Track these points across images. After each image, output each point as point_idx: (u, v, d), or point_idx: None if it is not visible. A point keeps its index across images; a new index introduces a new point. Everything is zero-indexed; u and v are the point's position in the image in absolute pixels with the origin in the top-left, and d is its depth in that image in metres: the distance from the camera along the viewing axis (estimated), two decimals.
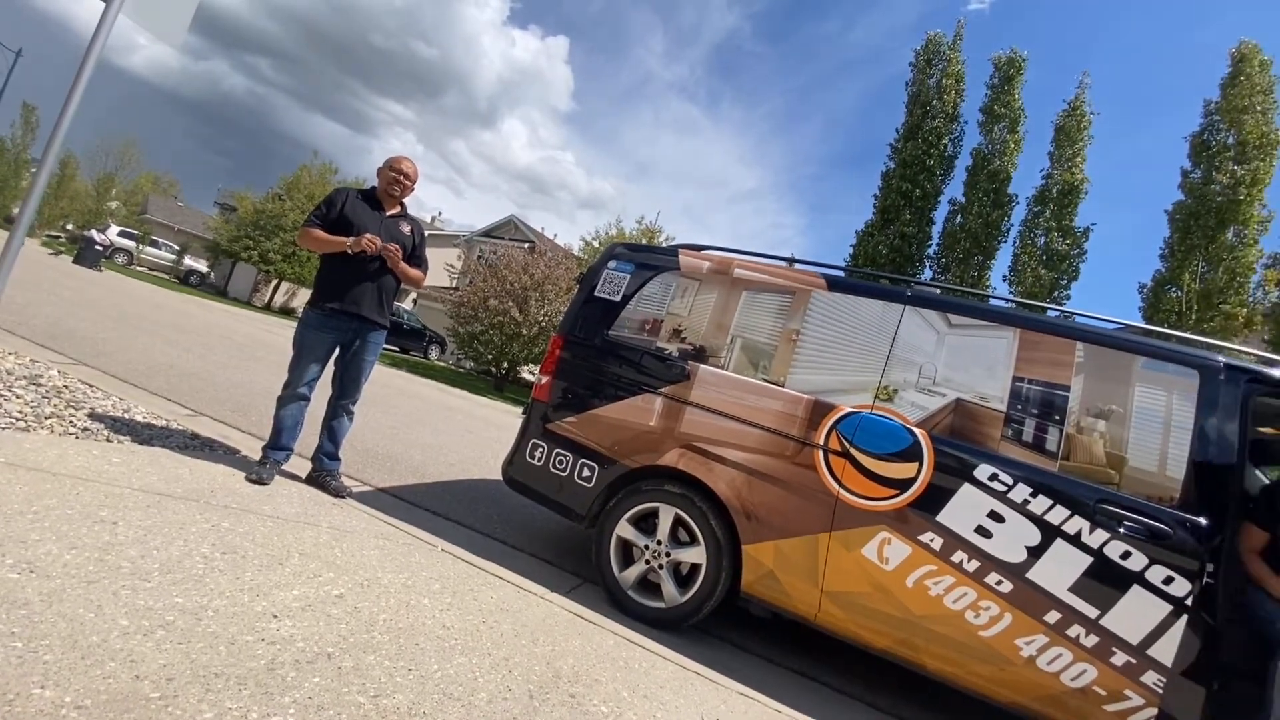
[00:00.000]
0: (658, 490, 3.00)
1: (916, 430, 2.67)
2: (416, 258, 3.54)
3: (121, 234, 29.26)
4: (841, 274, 3.20)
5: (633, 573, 2.99)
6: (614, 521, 3.04)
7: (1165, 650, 2.21)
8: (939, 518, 2.53)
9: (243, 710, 1.38)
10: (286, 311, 24.94)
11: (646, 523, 3.03)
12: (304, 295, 26.44)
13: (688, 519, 2.91)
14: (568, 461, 3.21)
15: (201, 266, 28.71)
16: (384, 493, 3.79)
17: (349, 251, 3.21)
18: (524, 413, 3.49)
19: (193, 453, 3.27)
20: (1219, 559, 2.22)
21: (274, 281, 24.93)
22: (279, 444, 3.27)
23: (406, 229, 3.49)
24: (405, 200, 3.58)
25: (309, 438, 3.48)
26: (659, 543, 2.96)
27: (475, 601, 2.44)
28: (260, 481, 3.07)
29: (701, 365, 3.10)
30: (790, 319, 3.05)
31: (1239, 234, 12.95)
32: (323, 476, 3.36)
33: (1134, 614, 2.25)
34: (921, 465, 2.61)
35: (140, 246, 30.16)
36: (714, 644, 2.95)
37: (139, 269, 28.06)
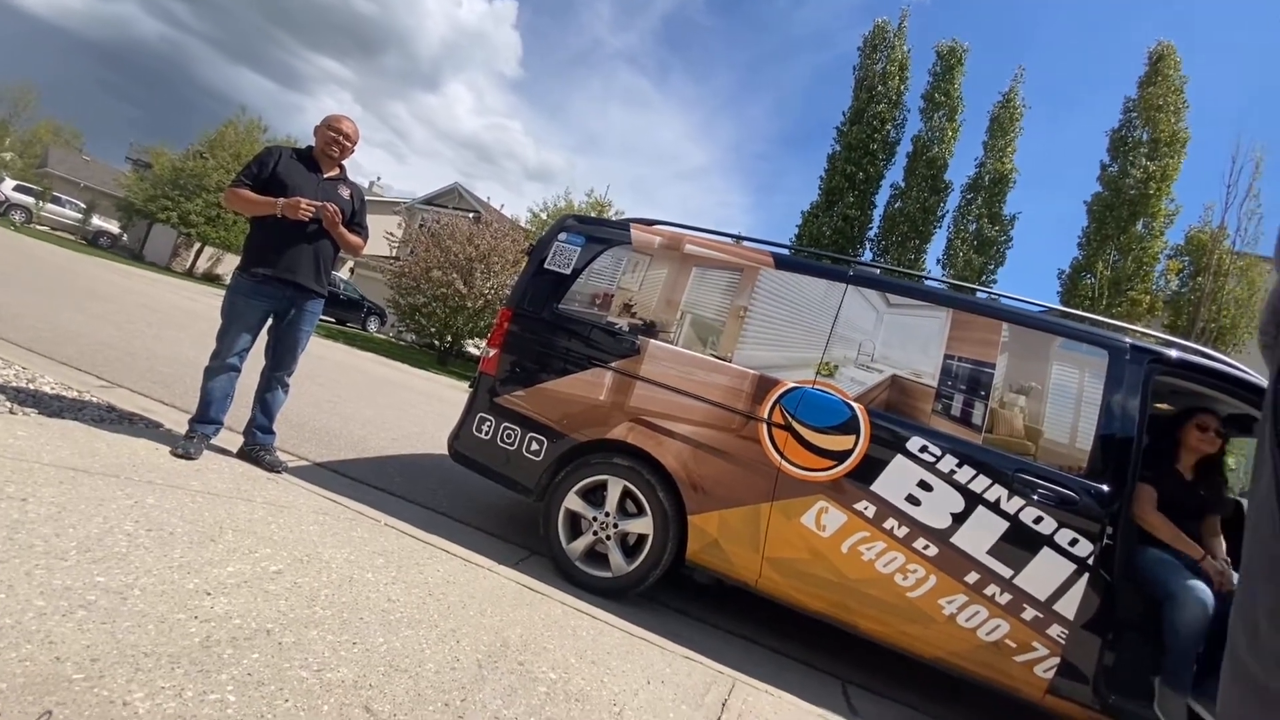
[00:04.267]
0: (606, 463, 3.03)
1: (855, 405, 2.79)
2: (357, 224, 3.40)
3: (18, 189, 26.56)
4: (788, 253, 3.28)
5: (580, 544, 3.02)
6: (562, 494, 3.05)
7: (1069, 605, 2.42)
8: (873, 487, 2.67)
9: (177, 688, 1.33)
10: (211, 278, 23.45)
11: (595, 495, 3.06)
12: (230, 261, 24.86)
13: (636, 491, 2.96)
14: (516, 435, 3.19)
15: (112, 227, 26.53)
16: (322, 467, 3.68)
17: (278, 214, 3.04)
18: (471, 386, 3.44)
19: (110, 426, 3.07)
20: (1117, 522, 2.45)
21: (196, 246, 23.34)
22: (207, 417, 3.10)
23: (346, 193, 3.34)
24: (345, 163, 3.41)
25: (240, 411, 3.32)
26: (607, 514, 3.00)
27: (421, 575, 2.41)
28: (187, 456, 2.92)
29: (652, 340, 3.12)
30: (738, 296, 3.10)
31: (1148, 226, 13.93)
32: (256, 451, 3.22)
33: (1043, 573, 2.45)
34: (858, 438, 2.73)
35: (40, 203, 27.48)
36: (659, 610, 3.03)
37: (39, 228, 25.63)
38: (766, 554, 2.77)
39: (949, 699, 3.03)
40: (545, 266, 3.44)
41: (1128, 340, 2.70)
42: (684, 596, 3.32)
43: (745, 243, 3.36)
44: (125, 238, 25.65)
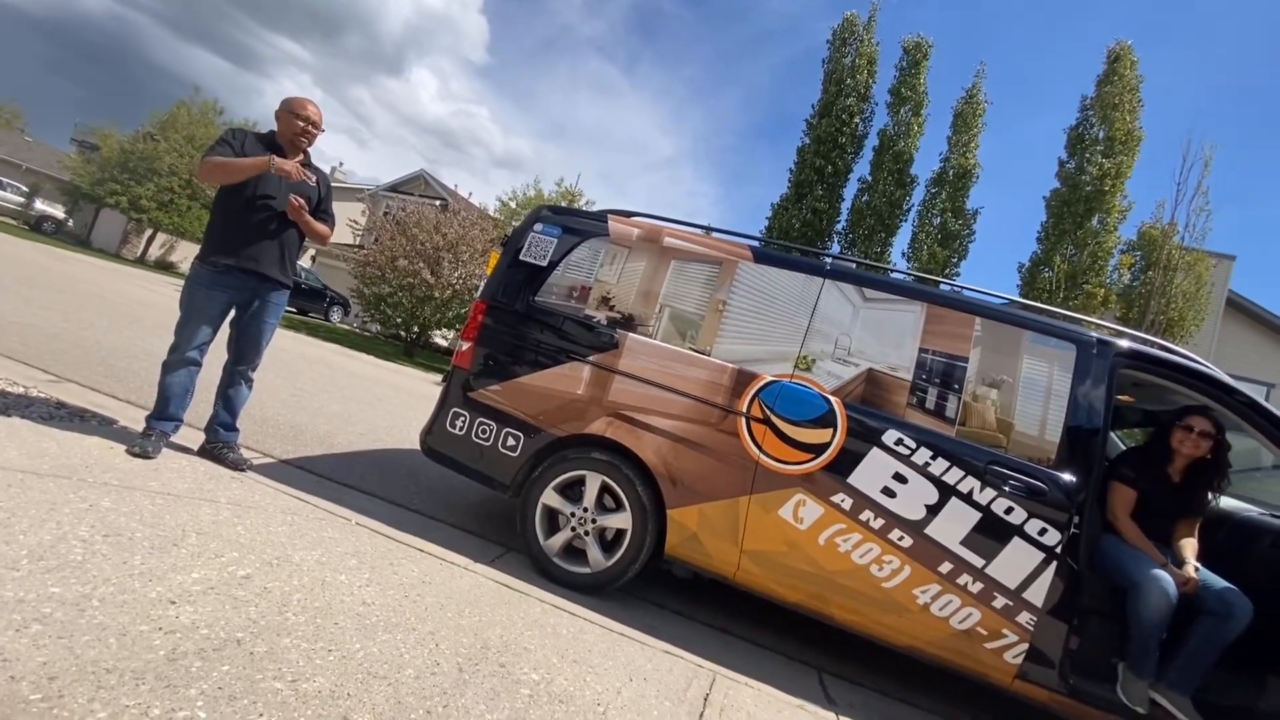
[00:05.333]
0: (585, 458, 3.00)
1: (831, 398, 2.81)
2: (324, 212, 3.28)
3: None
4: (766, 246, 3.28)
5: (558, 540, 2.99)
6: (540, 490, 3.01)
7: (1037, 593, 2.49)
8: (849, 480, 2.70)
9: (142, 706, 1.27)
10: (164, 266, 22.50)
11: (572, 490, 3.03)
12: (185, 248, 23.86)
13: (614, 486, 2.94)
14: (491, 430, 3.13)
15: (57, 212, 25.18)
16: (289, 465, 3.56)
17: (271, 170, 2.91)
18: (443, 380, 3.36)
19: (60, 424, 2.91)
20: (1084, 512, 2.52)
21: (148, 232, 22.34)
22: (166, 413, 2.97)
23: (313, 180, 3.21)
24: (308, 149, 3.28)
25: (202, 407, 3.19)
26: (585, 510, 2.97)
27: (396, 576, 2.36)
28: (145, 455, 2.79)
29: (630, 334, 3.09)
30: (717, 289, 3.10)
31: (1102, 221, 14.38)
32: (219, 449, 3.10)
33: (1013, 562, 2.52)
34: (835, 431, 2.76)
35: None
36: (638, 605, 3.03)
37: None
38: (745, 547, 2.79)
39: (921, 685, 3.10)
40: (520, 258, 3.38)
41: (1094, 334, 2.78)
42: (663, 590, 3.32)
43: (715, 234, 3.35)
44: (71, 223, 24.38)
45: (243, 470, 3.05)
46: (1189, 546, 2.70)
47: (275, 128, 3.19)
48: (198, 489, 2.62)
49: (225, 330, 3.14)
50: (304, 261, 25.04)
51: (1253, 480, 3.49)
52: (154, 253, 23.12)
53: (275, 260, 3.09)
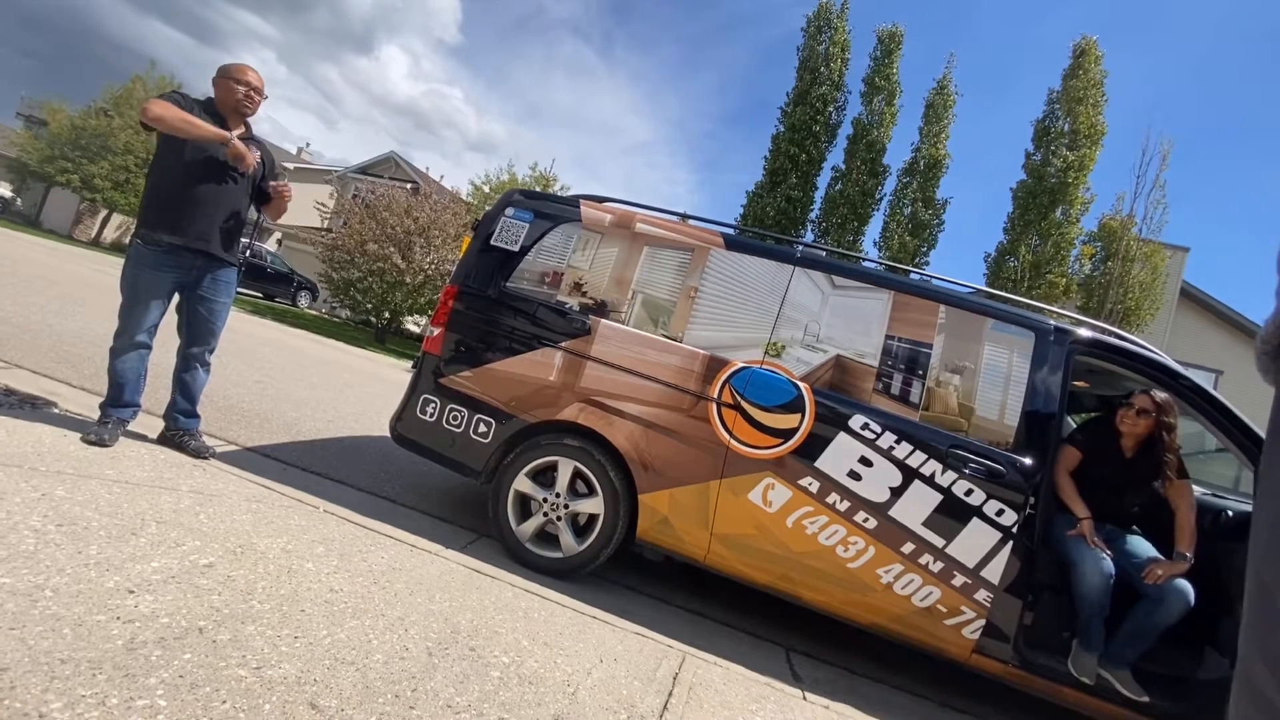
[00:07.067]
0: (557, 444, 3.00)
1: (800, 384, 2.86)
2: (263, 191, 3.16)
3: None
4: (738, 234, 3.30)
5: (530, 525, 3.00)
6: (512, 476, 3.01)
7: (994, 571, 2.59)
8: (817, 463, 2.75)
9: (99, 696, 1.24)
10: (120, 249, 21.64)
11: (545, 476, 3.04)
12: None
13: (586, 471, 2.95)
14: (463, 417, 3.11)
15: (4, 191, 24.01)
16: (254, 452, 3.49)
17: (224, 148, 2.74)
18: (414, 366, 3.32)
19: (9, 411, 2.80)
20: (1039, 493, 2.62)
21: (102, 213, 21.45)
22: (121, 400, 2.87)
23: (258, 155, 3.08)
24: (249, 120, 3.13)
25: (159, 394, 3.10)
26: (558, 495, 2.98)
27: (365, 563, 2.34)
28: (101, 443, 2.70)
29: (603, 320, 3.09)
30: (690, 276, 3.11)
31: (1065, 213, 14.77)
32: (179, 436, 3.01)
33: (972, 542, 2.61)
34: (804, 416, 2.81)
35: None
36: (610, 588, 3.05)
37: None
38: (715, 530, 2.83)
39: (885, 661, 3.20)
40: (492, 243, 3.34)
41: (1051, 322, 2.86)
42: (634, 573, 3.36)
43: (691, 222, 3.36)
44: (19, 202, 23.27)
45: (205, 458, 2.97)
46: (1184, 533, 2.67)
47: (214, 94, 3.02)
48: (157, 477, 2.55)
49: (172, 313, 3.02)
50: (269, 245, 24.34)
51: (1196, 462, 3.65)
52: (109, 235, 22.24)
53: (225, 239, 2.96)
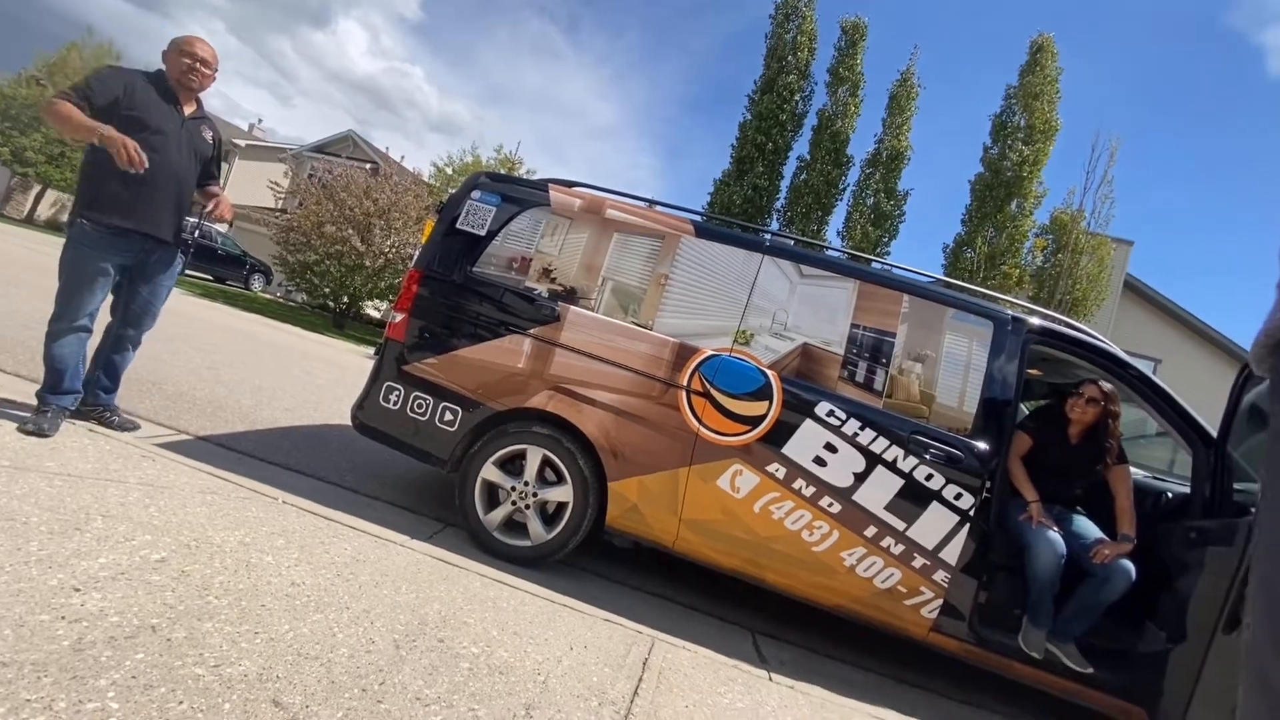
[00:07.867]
0: (525, 432, 2.97)
1: (768, 372, 2.89)
2: (210, 173, 3.05)
3: None
4: (708, 221, 3.30)
5: (498, 514, 2.97)
6: (479, 465, 2.97)
7: (952, 552, 2.68)
8: (784, 450, 2.80)
9: (45, 700, 1.18)
10: (56, 226, 20.43)
11: (513, 464, 3.01)
12: None
13: (555, 459, 2.93)
14: (427, 405, 3.05)
15: None
16: (207, 441, 3.36)
17: (128, 166, 2.53)
18: (376, 353, 3.23)
19: None
20: (995, 477, 2.72)
21: (36, 189, 20.18)
22: (61, 387, 2.73)
23: (209, 135, 2.97)
24: (200, 96, 3.00)
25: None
26: (526, 484, 2.96)
27: (327, 555, 2.28)
28: (40, 433, 2.56)
29: (572, 307, 3.06)
30: (660, 263, 3.10)
31: (1020, 206, 15.25)
32: (100, 412, 2.94)
33: (932, 525, 2.69)
34: (771, 404, 2.84)
35: None
36: (579, 576, 3.05)
37: None
38: (684, 516, 2.85)
39: (848, 641, 3.29)
40: (457, 226, 3.26)
41: (1009, 312, 2.96)
42: (602, 560, 3.36)
43: (659, 208, 3.34)
44: None
45: (130, 431, 2.92)
46: (1124, 515, 2.81)
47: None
48: (103, 468, 2.43)
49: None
50: (220, 226, 23.31)
51: (1138, 446, 3.85)
52: (44, 212, 20.94)
53: (173, 224, 2.88)
